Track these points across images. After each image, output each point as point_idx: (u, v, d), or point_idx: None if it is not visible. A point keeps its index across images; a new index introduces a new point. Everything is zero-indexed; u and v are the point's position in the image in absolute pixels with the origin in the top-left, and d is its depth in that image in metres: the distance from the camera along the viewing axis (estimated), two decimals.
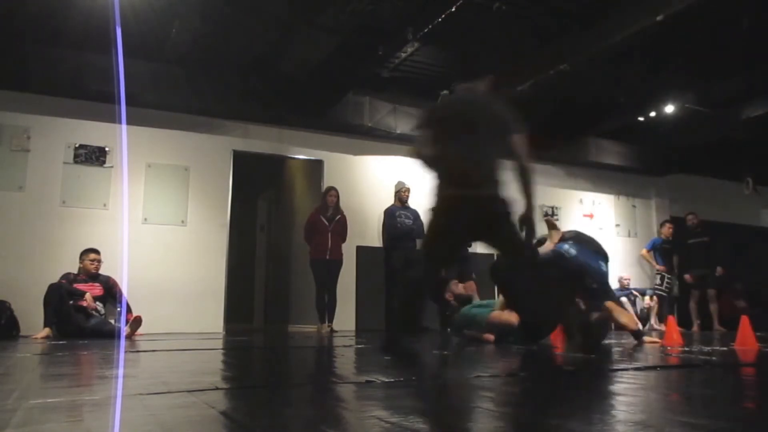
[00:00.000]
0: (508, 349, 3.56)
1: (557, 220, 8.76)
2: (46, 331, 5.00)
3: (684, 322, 8.19)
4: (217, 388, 1.73)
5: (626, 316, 3.83)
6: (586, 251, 3.90)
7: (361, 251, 7.31)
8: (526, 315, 3.82)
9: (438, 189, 3.01)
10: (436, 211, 3.00)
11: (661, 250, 8.57)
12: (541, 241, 4.14)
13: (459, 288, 4.31)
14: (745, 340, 3.71)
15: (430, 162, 3.05)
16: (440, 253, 3.05)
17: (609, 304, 3.80)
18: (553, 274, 3.88)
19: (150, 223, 6.41)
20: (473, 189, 2.89)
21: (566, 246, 3.88)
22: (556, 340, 4.60)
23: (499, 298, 4.43)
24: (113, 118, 6.01)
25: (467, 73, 3.36)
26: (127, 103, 6.12)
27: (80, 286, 5.29)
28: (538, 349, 3.64)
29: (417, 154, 3.08)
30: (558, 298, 3.34)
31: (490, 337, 4.07)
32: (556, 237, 4.05)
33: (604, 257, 4.01)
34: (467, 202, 2.88)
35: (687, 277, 8.35)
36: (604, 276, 3.87)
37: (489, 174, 2.92)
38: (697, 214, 8.70)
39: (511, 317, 3.93)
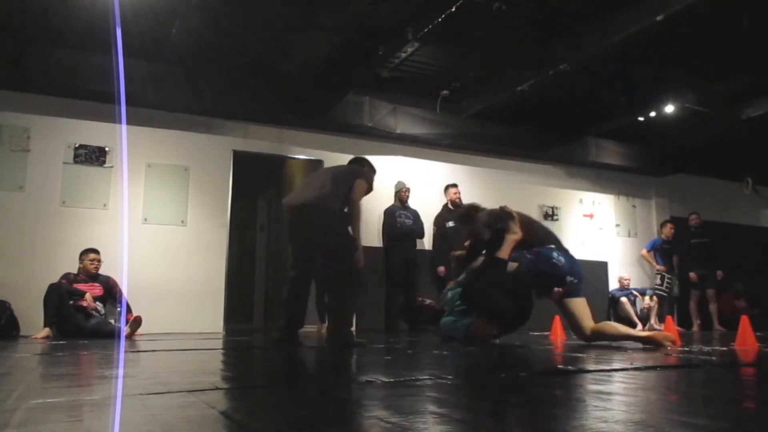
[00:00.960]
0: (509, 348, 3.56)
1: (557, 220, 8.76)
2: (46, 331, 5.00)
3: (684, 322, 8.20)
4: (217, 388, 1.73)
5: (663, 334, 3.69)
6: (570, 256, 3.91)
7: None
8: (496, 313, 3.85)
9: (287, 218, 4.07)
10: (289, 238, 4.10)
11: (661, 250, 8.58)
12: (499, 231, 3.95)
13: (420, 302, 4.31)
14: (745, 340, 3.71)
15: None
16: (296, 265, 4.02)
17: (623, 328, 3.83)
18: (540, 282, 3.86)
19: (150, 223, 6.41)
20: (307, 214, 3.91)
21: (555, 254, 3.83)
22: (555, 339, 4.60)
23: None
24: (113, 118, 6.02)
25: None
26: (127, 103, 6.12)
27: (80, 286, 5.30)
28: (537, 349, 3.64)
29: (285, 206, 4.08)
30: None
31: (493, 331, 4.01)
32: (515, 227, 3.91)
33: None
34: (301, 221, 3.97)
35: (692, 275, 8.34)
36: (582, 276, 3.90)
37: (324, 208, 3.89)
38: (699, 215, 8.69)
39: (491, 327, 3.88)
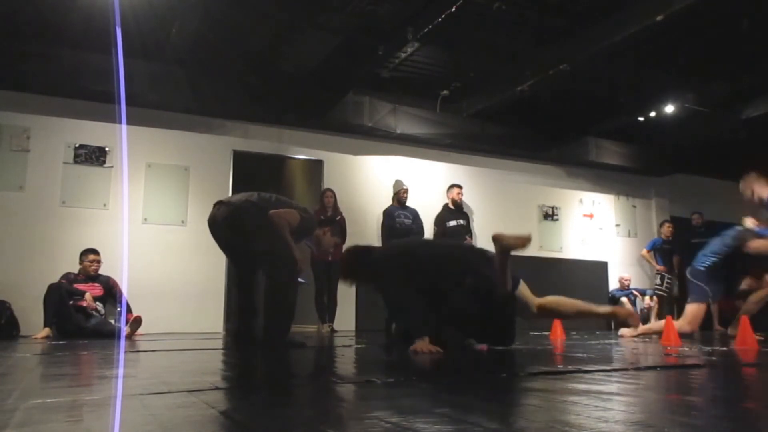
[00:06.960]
0: (509, 348, 3.56)
1: (557, 220, 8.76)
2: (46, 331, 5.00)
3: None
4: (217, 388, 1.72)
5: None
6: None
7: None
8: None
9: None
10: None
11: (661, 250, 8.57)
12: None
13: None
14: (745, 340, 3.71)
15: None
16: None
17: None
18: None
19: (150, 223, 6.41)
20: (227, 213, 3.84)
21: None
22: (555, 340, 4.60)
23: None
24: (113, 118, 6.02)
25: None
26: (127, 103, 6.13)
27: (80, 286, 5.29)
28: (537, 349, 3.64)
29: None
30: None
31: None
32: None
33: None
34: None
35: None
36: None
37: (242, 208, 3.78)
38: (702, 215, 8.67)
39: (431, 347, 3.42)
